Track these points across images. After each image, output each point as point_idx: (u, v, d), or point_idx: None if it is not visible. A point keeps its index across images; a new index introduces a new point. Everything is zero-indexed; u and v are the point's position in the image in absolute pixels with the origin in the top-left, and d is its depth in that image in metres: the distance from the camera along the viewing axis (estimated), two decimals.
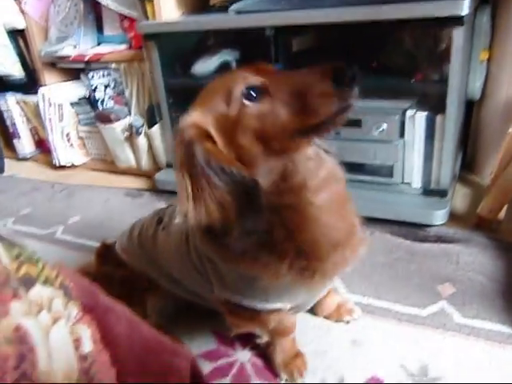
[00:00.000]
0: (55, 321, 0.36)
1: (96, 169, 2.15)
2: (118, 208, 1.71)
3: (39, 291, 0.36)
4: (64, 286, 0.40)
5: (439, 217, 1.26)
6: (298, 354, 0.92)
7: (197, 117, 0.63)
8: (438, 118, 1.23)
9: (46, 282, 0.37)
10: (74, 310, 0.39)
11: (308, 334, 1.00)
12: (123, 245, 1.00)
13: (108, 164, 2.10)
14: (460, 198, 1.46)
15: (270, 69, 0.66)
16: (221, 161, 0.59)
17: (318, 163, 0.68)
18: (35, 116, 2.28)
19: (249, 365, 0.94)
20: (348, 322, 1.01)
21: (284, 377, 0.90)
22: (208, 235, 0.72)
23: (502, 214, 1.26)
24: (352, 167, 1.37)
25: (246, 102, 0.61)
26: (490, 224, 1.26)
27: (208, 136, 0.62)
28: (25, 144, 2.38)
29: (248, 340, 0.98)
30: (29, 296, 0.34)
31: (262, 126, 0.60)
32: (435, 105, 1.24)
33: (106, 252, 1.05)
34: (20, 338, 0.32)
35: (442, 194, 1.28)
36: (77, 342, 0.38)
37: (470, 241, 1.24)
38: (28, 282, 0.35)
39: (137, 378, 0.43)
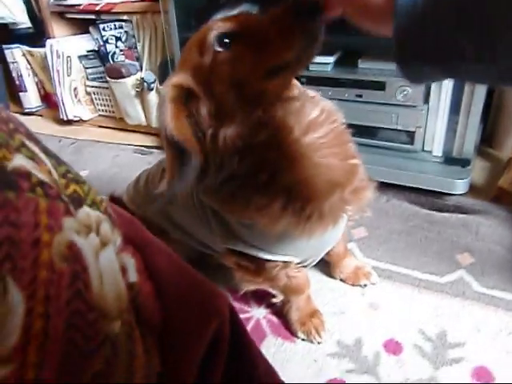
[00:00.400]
0: (104, 245, 0.33)
1: (104, 125, 2.10)
2: (127, 164, 1.67)
3: (87, 212, 0.33)
4: (108, 212, 0.37)
5: (460, 186, 1.23)
6: (314, 313, 0.91)
7: (177, 76, 0.63)
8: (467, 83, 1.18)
9: (93, 205, 0.35)
10: (119, 239, 0.37)
11: (325, 296, 0.99)
12: (130, 195, 1.00)
13: (117, 121, 2.05)
14: (478, 170, 1.42)
15: (244, 15, 0.64)
16: (173, 129, 0.59)
17: (308, 105, 0.68)
18: (42, 69, 2.21)
19: (264, 321, 0.93)
20: (365, 286, 1.00)
21: (301, 335, 0.89)
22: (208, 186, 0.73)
23: None
24: (372, 131, 1.35)
25: (218, 49, 0.60)
26: (510, 196, 1.24)
27: (190, 92, 0.62)
28: (31, 97, 2.31)
29: (263, 298, 0.97)
30: (78, 215, 0.32)
31: (235, 71, 0.60)
32: None
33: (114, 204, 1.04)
34: (74, 255, 0.29)
35: (464, 163, 1.25)
36: (123, 271, 0.35)
37: (490, 212, 1.21)
38: (76, 201, 0.32)
39: (179, 316, 0.40)
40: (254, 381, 0.47)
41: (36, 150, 0.31)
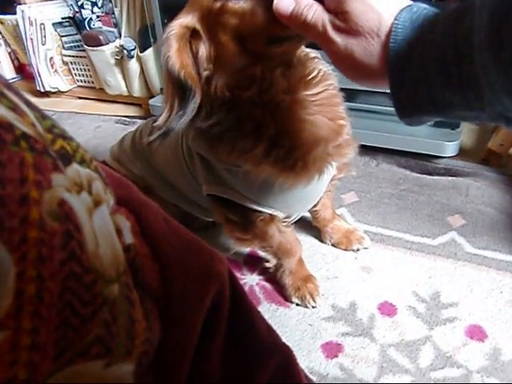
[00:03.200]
0: (97, 204, 0.31)
1: (84, 96, 2.03)
2: (111, 135, 1.62)
3: (77, 170, 0.30)
4: (99, 172, 0.34)
5: (450, 148, 1.23)
6: (308, 278, 0.90)
7: (184, 17, 0.62)
8: None
9: (83, 162, 0.32)
10: (112, 199, 0.34)
11: (317, 261, 0.98)
12: (114, 155, 0.99)
13: (96, 91, 1.98)
14: (467, 133, 1.42)
15: None
16: (174, 63, 0.60)
17: (306, 64, 0.69)
18: (14, 38, 2.11)
19: (258, 288, 0.92)
20: (358, 250, 1.00)
21: (295, 301, 0.88)
22: (196, 130, 0.73)
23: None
24: (361, 95, 1.32)
25: None
26: (499, 158, 1.24)
27: (194, 32, 0.62)
28: (4, 69, 2.21)
29: (256, 265, 0.97)
30: (67, 172, 0.29)
31: (240, 27, 0.59)
32: None
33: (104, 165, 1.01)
34: (65, 214, 0.26)
35: (453, 125, 1.24)
36: (118, 232, 0.33)
37: (479, 174, 1.22)
38: (64, 158, 0.30)
39: (178, 281, 0.38)
40: (256, 342, 0.45)
41: (17, 100, 0.28)
